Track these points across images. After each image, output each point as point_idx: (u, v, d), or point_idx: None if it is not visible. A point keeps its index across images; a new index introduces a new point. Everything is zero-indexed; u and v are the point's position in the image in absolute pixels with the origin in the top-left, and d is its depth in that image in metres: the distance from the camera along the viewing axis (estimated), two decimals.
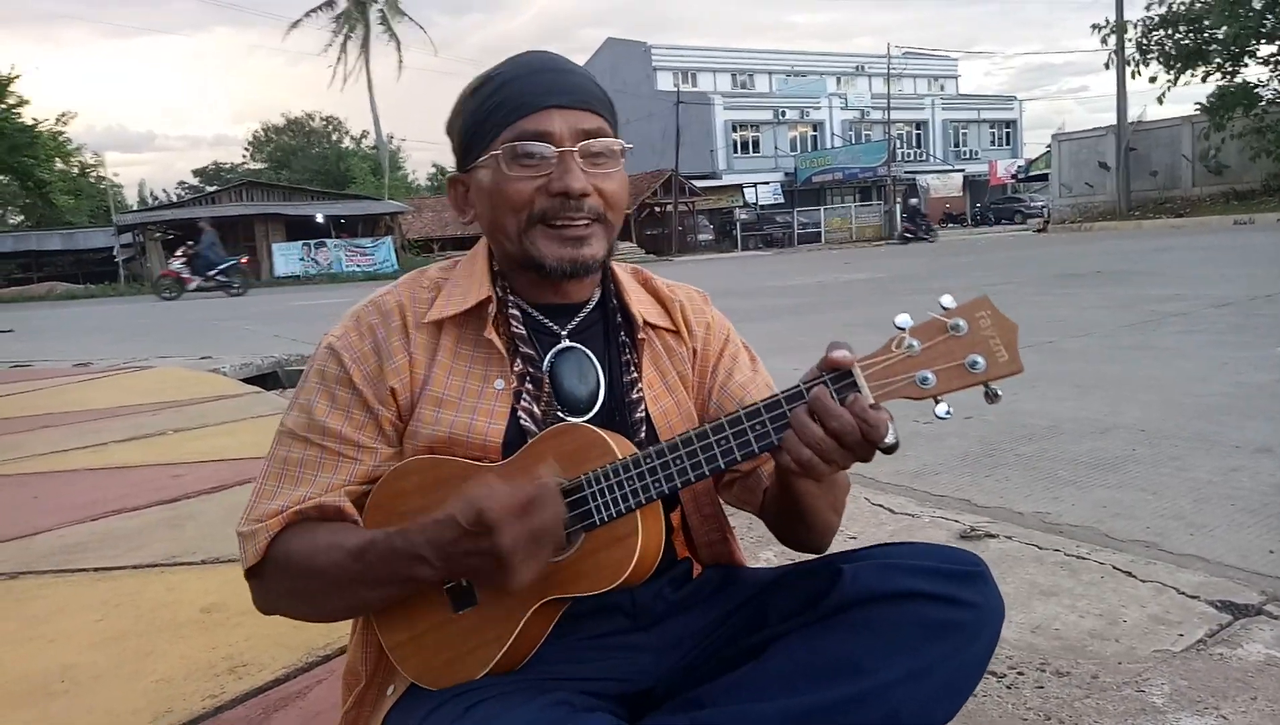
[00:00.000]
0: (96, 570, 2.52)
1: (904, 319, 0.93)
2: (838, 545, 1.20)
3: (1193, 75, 25.50)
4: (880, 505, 2.70)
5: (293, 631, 1.97)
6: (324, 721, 1.59)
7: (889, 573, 1.06)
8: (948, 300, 0.93)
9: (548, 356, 1.15)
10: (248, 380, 6.77)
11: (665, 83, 48.52)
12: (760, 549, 2.28)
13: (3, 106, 33.69)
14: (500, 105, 1.09)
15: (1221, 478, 2.90)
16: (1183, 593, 1.94)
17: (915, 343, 0.92)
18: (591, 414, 1.14)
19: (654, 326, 1.23)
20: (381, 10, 46.81)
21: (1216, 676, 1.58)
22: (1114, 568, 2.10)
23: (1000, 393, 0.92)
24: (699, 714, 1.03)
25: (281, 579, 1.08)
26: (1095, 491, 2.87)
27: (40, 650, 2.00)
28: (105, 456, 4.11)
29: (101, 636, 2.05)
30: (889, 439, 0.92)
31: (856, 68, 56.39)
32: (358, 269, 34.34)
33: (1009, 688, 1.59)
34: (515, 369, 1.13)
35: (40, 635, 2.09)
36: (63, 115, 38.37)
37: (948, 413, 0.92)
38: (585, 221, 1.10)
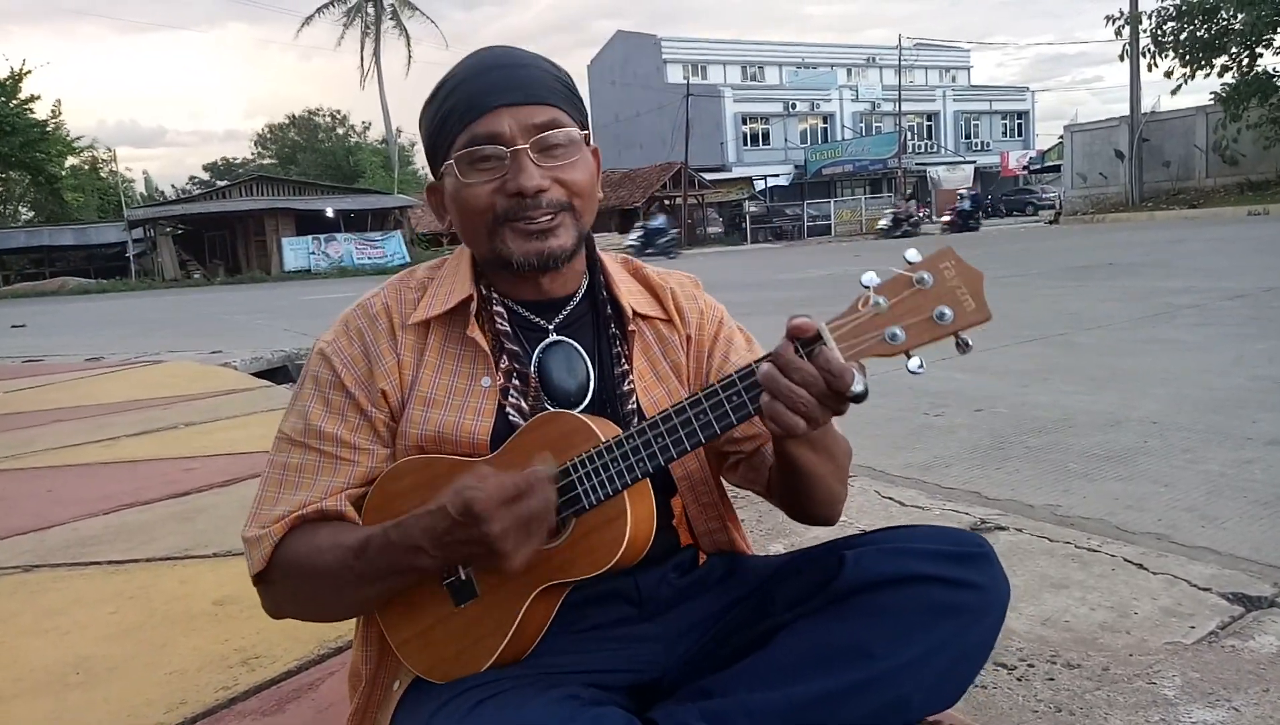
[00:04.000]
0: (110, 563, 2.54)
1: (870, 277, 0.92)
2: None
3: (1209, 67, 25.27)
4: (890, 498, 2.69)
5: (304, 625, 1.97)
6: (336, 713, 1.60)
7: (893, 557, 1.06)
8: (912, 254, 0.92)
9: (536, 352, 1.15)
10: (258, 374, 6.81)
11: (675, 75, 48.32)
12: (770, 542, 2.28)
13: (15, 102, 33.68)
14: (452, 111, 1.09)
15: (1235, 470, 2.88)
16: (1194, 585, 1.93)
17: (882, 300, 0.91)
18: (582, 407, 1.14)
19: (644, 317, 1.22)
20: (392, 4, 46.81)
21: (1228, 669, 1.58)
22: (1125, 560, 2.09)
23: (971, 343, 0.90)
24: (707, 704, 1.03)
25: (287, 582, 1.10)
26: (1107, 484, 2.86)
27: (56, 642, 2.02)
28: (117, 450, 4.14)
29: (116, 629, 2.07)
30: (856, 387, 0.91)
31: (867, 59, 56.06)
32: (368, 262, 34.40)
33: (1019, 680, 1.59)
34: (501, 366, 1.13)
35: (55, 627, 2.11)
36: (55, 106, 38.04)
37: (920, 367, 0.91)
38: (549, 215, 1.09)
